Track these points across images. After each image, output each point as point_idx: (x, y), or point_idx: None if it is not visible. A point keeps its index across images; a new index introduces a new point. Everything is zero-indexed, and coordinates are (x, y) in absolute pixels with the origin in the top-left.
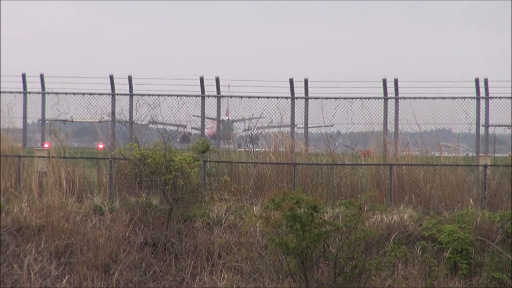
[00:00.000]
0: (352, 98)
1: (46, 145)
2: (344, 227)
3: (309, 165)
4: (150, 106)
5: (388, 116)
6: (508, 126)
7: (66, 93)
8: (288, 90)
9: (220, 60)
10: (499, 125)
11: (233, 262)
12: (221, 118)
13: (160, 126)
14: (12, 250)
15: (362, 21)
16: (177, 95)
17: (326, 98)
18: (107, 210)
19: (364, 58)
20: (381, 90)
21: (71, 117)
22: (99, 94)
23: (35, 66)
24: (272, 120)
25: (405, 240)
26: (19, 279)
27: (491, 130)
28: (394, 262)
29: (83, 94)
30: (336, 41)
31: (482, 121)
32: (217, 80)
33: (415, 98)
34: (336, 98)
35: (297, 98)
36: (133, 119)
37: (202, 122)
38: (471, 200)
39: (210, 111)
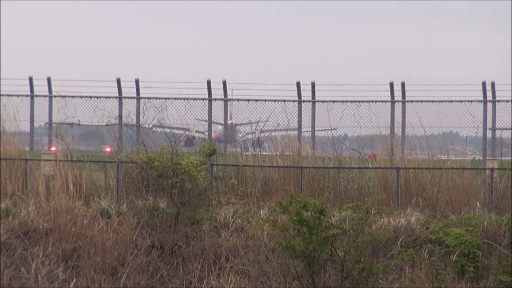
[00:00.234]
0: (359, 102)
1: (53, 149)
2: (351, 231)
3: (316, 168)
4: (157, 109)
5: (395, 120)
6: None
7: (73, 96)
8: (295, 93)
9: (227, 64)
10: (506, 129)
11: (240, 266)
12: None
13: (164, 130)
14: (19, 254)
15: (368, 23)
16: (184, 99)
17: (333, 102)
18: (114, 213)
19: (371, 61)
20: (388, 94)
21: (78, 120)
22: (106, 97)
23: (42, 69)
24: (279, 124)
25: (412, 244)
26: (26, 282)
27: (498, 133)
28: (401, 266)
29: (90, 97)
30: (343, 44)
31: (489, 124)
32: (224, 83)
33: (422, 101)
34: (343, 102)
35: (304, 101)
36: (140, 122)
37: (209, 126)
38: (478, 203)
39: (215, 114)
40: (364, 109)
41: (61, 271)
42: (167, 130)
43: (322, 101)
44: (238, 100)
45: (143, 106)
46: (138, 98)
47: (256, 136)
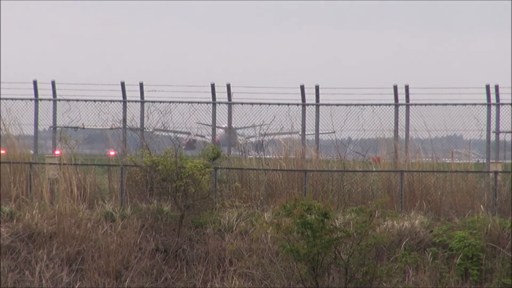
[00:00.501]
0: (363, 105)
1: (57, 152)
2: (355, 234)
3: (320, 171)
4: (161, 113)
5: (399, 123)
6: None
7: (77, 100)
8: (299, 96)
9: (231, 67)
10: (510, 132)
11: (244, 269)
12: (224, 126)
13: (165, 133)
14: (23, 257)
15: (372, 27)
16: (188, 102)
17: (337, 105)
18: (118, 216)
19: (375, 64)
20: (392, 97)
21: (82, 124)
22: (111, 101)
23: (46, 73)
24: (283, 127)
25: (416, 247)
26: (30, 285)
27: (502, 136)
28: (405, 269)
29: (95, 101)
30: (347, 47)
31: (493, 127)
32: (229, 86)
33: (426, 104)
34: (347, 105)
35: (308, 104)
36: (145, 126)
37: (213, 129)
38: (482, 206)
39: (218, 118)
40: (368, 113)
41: (65, 274)
42: (167, 133)
43: (326, 105)
44: (242, 103)
45: (147, 110)
46: (143, 102)
47: (257, 139)
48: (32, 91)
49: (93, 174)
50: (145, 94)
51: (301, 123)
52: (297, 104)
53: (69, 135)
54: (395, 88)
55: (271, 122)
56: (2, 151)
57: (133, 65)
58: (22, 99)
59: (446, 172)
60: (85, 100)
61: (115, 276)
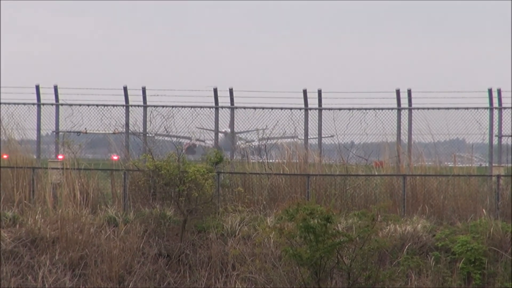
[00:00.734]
0: (365, 109)
1: (60, 157)
2: (357, 238)
3: (322, 176)
4: (164, 117)
5: (401, 127)
6: None
7: (80, 105)
8: (301, 101)
9: (235, 72)
10: None
11: (247, 273)
12: (223, 130)
13: (167, 138)
14: (26, 262)
15: (375, 31)
16: (191, 106)
17: (340, 109)
18: (121, 221)
19: (378, 68)
20: (395, 101)
21: (85, 128)
22: (113, 105)
23: (49, 77)
24: (285, 132)
25: (419, 251)
26: None
27: (504, 140)
28: (407, 273)
29: (97, 105)
30: (349, 52)
31: (495, 131)
32: (231, 91)
33: (428, 108)
34: (349, 109)
35: (310, 109)
36: (147, 130)
37: (216, 134)
38: (484, 210)
39: (220, 122)
40: (370, 117)
41: (68, 279)
42: (167, 138)
43: (329, 109)
44: (244, 108)
45: (150, 114)
46: (145, 106)
47: (258, 143)
48: (35, 96)
49: (96, 178)
50: (147, 98)
51: (303, 127)
52: (300, 109)
53: (72, 139)
54: (398, 92)
55: (274, 127)
56: (5, 156)
57: (135, 70)
58: (24, 104)
59: (448, 176)
60: (88, 105)
61: (118, 281)
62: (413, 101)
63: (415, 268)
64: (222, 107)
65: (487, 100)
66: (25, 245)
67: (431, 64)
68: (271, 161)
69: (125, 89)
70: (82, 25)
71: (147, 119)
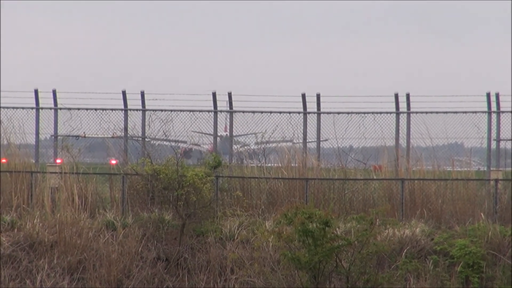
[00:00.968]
0: (364, 113)
1: (58, 161)
2: (356, 242)
3: (321, 180)
4: (162, 121)
5: (400, 131)
6: None
7: (78, 109)
8: (300, 105)
9: (232, 75)
10: (510, 139)
11: (246, 277)
12: (219, 134)
13: (161, 142)
14: (24, 266)
15: (373, 36)
16: (190, 110)
17: (338, 113)
18: (119, 225)
19: (376, 72)
20: (393, 105)
21: (84, 132)
22: (112, 109)
23: (48, 82)
24: (284, 135)
25: (417, 255)
26: None
27: (502, 144)
28: (406, 277)
29: (96, 109)
30: (348, 56)
31: (494, 135)
32: (230, 95)
33: (427, 112)
34: (348, 113)
35: (309, 113)
36: (146, 134)
37: (215, 138)
38: (482, 214)
39: (219, 126)
40: (369, 121)
41: (67, 283)
42: (163, 142)
43: (328, 113)
44: (243, 112)
45: (149, 118)
46: (144, 110)
47: (254, 147)
48: (34, 100)
49: (94, 182)
50: (146, 102)
51: (302, 131)
52: (299, 112)
53: (71, 143)
54: (396, 96)
55: (273, 131)
56: (3, 160)
57: (134, 74)
58: (23, 108)
59: (447, 180)
60: (86, 109)
61: (116, 285)
62: (411, 105)
63: (413, 272)
64: (221, 111)
65: (486, 104)
66: (23, 249)
67: (429, 68)
68: (269, 165)
69: (123, 93)
70: (80, 29)
71: (146, 123)
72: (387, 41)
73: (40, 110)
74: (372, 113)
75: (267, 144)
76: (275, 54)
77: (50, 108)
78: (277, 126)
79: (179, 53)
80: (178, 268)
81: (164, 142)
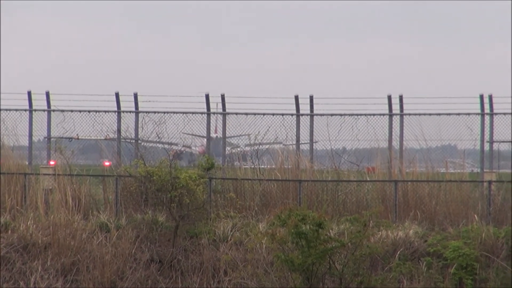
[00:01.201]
0: (357, 115)
1: (52, 163)
2: (349, 244)
3: (314, 181)
4: (155, 123)
5: (393, 133)
6: None
7: (71, 111)
8: (293, 107)
9: (226, 77)
10: (503, 141)
11: (239, 279)
12: (210, 136)
13: (153, 144)
14: (18, 268)
15: (367, 37)
16: (183, 112)
17: (331, 115)
18: (113, 227)
19: (369, 74)
20: (386, 107)
21: (77, 134)
22: (105, 111)
23: (41, 83)
24: (277, 137)
25: (411, 256)
26: None
27: (495, 146)
28: (399, 278)
29: (89, 111)
30: (341, 57)
31: (487, 137)
32: (223, 97)
33: (420, 114)
34: (341, 115)
35: (302, 115)
36: (139, 136)
37: (208, 140)
38: (476, 216)
39: (212, 128)
40: (362, 122)
41: (60, 285)
42: (155, 144)
43: (321, 115)
44: (236, 113)
45: (142, 120)
46: (137, 112)
47: (246, 149)
48: (27, 102)
49: (87, 184)
50: (139, 104)
51: (295, 133)
52: (292, 114)
53: (64, 145)
54: (389, 98)
55: (266, 132)
56: None
57: (127, 76)
58: (16, 110)
59: (440, 182)
60: (80, 111)
61: (110, 287)
62: (404, 107)
63: (407, 274)
64: (214, 113)
65: (479, 106)
66: (17, 250)
67: (422, 70)
68: (263, 167)
69: (117, 95)
70: (74, 31)
71: (139, 125)
72: (381, 43)
73: (33, 112)
74: (365, 115)
75: (260, 146)
76: (269, 56)
77: (43, 110)
78: (269, 127)
79: (172, 55)
80: (171, 270)
81: (157, 144)
